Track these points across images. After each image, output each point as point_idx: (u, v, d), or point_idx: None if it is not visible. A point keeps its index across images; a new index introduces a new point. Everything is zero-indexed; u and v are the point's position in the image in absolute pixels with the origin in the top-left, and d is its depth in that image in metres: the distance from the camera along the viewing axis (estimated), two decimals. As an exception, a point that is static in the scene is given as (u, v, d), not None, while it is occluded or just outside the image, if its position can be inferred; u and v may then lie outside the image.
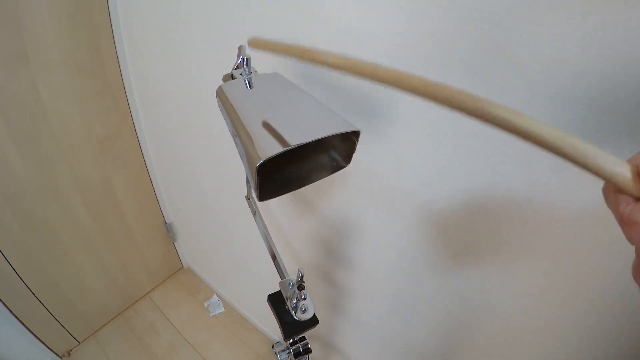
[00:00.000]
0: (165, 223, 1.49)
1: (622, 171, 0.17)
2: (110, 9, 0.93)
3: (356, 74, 0.27)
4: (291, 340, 0.59)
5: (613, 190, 0.18)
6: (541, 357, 0.56)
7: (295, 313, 0.52)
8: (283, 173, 0.41)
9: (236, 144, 0.38)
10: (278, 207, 0.87)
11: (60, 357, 1.28)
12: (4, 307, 1.03)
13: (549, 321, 0.52)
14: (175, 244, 1.59)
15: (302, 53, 0.33)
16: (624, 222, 0.18)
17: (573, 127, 0.36)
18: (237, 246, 1.21)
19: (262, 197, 0.38)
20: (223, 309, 1.51)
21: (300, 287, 0.52)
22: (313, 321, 0.52)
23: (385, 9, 0.43)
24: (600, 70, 0.32)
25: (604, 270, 0.42)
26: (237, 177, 0.91)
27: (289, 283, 0.54)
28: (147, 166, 1.29)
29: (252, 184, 0.35)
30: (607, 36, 0.31)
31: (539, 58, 0.35)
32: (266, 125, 0.36)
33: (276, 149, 0.32)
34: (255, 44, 0.41)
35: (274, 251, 0.61)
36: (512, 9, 0.34)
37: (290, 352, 0.59)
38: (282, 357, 0.59)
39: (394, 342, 0.82)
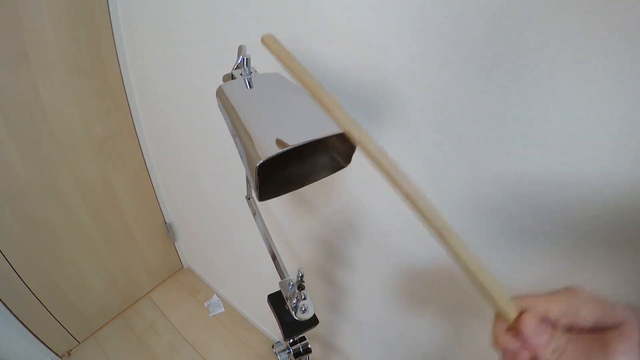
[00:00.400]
0: (165, 223, 1.49)
1: (510, 312, 0.23)
2: (110, 9, 0.93)
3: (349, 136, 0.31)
4: (291, 340, 0.59)
5: (499, 328, 0.25)
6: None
7: (295, 313, 0.52)
8: (283, 173, 0.41)
9: (236, 144, 0.38)
10: (278, 207, 0.87)
11: (60, 357, 1.28)
12: (4, 307, 1.03)
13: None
14: (175, 244, 1.59)
15: (311, 87, 0.32)
16: (503, 352, 0.24)
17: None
18: (237, 246, 1.21)
19: (262, 197, 0.38)
20: (223, 309, 1.51)
21: (300, 287, 0.52)
22: (313, 321, 0.52)
23: (387, 8, 0.43)
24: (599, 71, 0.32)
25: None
26: (237, 177, 0.91)
27: (289, 283, 0.54)
28: (147, 166, 1.29)
29: (252, 184, 0.35)
30: (607, 38, 0.31)
31: (537, 58, 0.35)
32: (266, 125, 0.36)
33: (276, 149, 0.32)
34: (268, 42, 0.36)
35: (274, 251, 0.61)
36: (512, 8, 0.34)
37: (290, 352, 0.59)
38: (282, 357, 0.59)
39: (395, 343, 0.82)
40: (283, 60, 0.34)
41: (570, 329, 0.22)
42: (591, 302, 0.22)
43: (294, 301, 0.52)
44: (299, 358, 0.59)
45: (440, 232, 0.25)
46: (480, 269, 0.24)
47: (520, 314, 0.23)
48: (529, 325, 0.22)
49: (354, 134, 0.30)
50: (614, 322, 0.21)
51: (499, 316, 0.24)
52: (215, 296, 1.56)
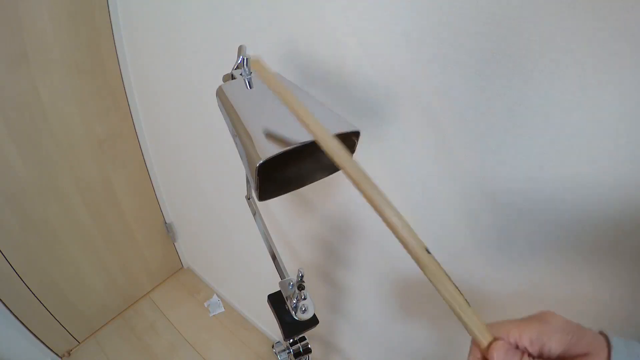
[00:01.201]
0: (165, 223, 1.49)
1: (484, 340, 0.24)
2: (110, 9, 0.93)
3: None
4: (291, 340, 0.59)
5: (474, 357, 0.26)
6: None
7: (295, 313, 0.52)
8: (283, 173, 0.41)
9: (236, 144, 0.38)
10: (278, 207, 0.87)
11: (60, 357, 1.28)
12: (4, 307, 1.03)
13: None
14: (175, 244, 1.59)
15: (288, 102, 0.31)
16: None
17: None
18: (237, 246, 1.21)
19: (262, 197, 0.38)
20: (223, 309, 1.51)
21: (300, 287, 0.52)
22: (313, 321, 0.52)
23: (386, 9, 0.43)
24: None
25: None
26: (237, 177, 0.91)
27: (289, 283, 0.54)
28: (147, 166, 1.29)
29: (252, 184, 0.35)
30: (607, 39, 0.31)
31: (537, 58, 0.35)
32: (266, 126, 0.36)
33: (276, 149, 0.32)
34: (256, 66, 0.37)
35: (274, 251, 0.61)
36: (512, 9, 0.34)
37: (290, 352, 0.59)
38: (282, 357, 0.59)
39: (394, 343, 0.82)
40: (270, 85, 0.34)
41: (540, 356, 0.24)
42: (562, 330, 0.23)
43: (294, 301, 0.52)
44: (299, 358, 0.59)
45: (418, 261, 0.27)
46: (457, 298, 0.25)
47: (493, 341, 0.24)
48: (498, 354, 0.23)
49: (336, 158, 0.28)
50: (581, 351, 0.23)
51: (474, 344, 0.25)
52: (215, 296, 1.56)
